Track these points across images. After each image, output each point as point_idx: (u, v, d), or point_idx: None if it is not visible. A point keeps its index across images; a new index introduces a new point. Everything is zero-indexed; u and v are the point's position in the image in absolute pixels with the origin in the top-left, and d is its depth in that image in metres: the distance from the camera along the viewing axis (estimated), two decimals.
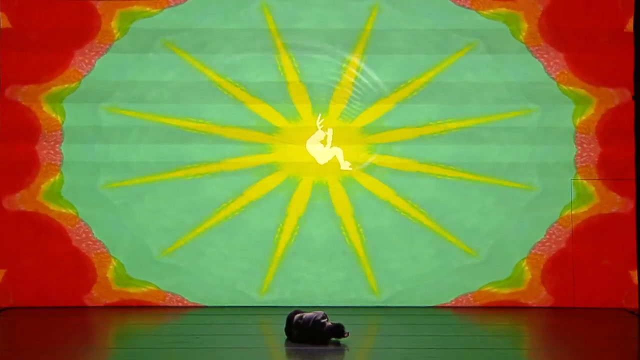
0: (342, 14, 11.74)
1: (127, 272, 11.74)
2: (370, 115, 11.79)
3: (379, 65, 11.77)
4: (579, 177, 11.67)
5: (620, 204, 11.65)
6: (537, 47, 11.71)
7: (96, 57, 11.73)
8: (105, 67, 11.71)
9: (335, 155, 11.81)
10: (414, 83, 11.76)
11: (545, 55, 11.69)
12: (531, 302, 11.66)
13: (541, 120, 11.70)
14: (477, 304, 11.68)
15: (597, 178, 11.69)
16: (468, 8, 11.70)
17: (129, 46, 11.73)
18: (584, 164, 11.68)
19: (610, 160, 11.66)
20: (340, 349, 9.42)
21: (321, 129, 11.79)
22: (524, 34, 11.71)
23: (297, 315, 9.76)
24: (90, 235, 11.74)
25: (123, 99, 11.74)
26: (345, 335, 9.60)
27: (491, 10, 11.70)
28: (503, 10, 11.71)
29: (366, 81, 11.79)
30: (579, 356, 9.37)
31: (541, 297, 11.68)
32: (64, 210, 11.69)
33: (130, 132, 11.73)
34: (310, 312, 9.78)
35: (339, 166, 11.78)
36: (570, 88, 11.69)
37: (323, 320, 9.62)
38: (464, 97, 11.71)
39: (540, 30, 11.67)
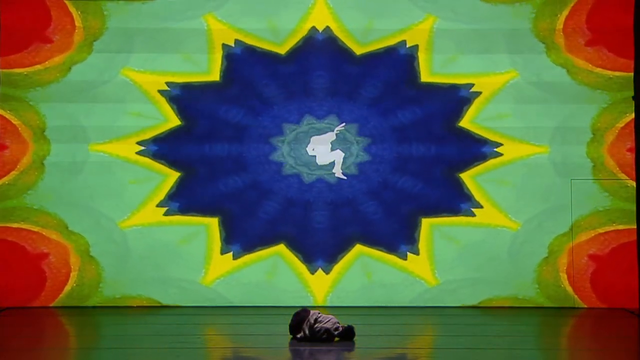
0: None
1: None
2: None
3: None
4: (578, 178, 11.72)
5: (621, 204, 11.71)
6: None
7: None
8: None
9: (334, 160, 11.75)
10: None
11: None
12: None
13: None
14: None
15: (597, 178, 11.70)
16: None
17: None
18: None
19: (612, 161, 11.72)
20: (344, 349, 9.42)
21: (336, 133, 11.72)
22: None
23: (312, 318, 9.63)
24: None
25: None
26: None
27: None
28: None
29: None
30: (580, 356, 9.37)
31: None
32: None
33: None
34: (318, 313, 9.74)
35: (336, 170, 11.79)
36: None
37: (335, 332, 9.62)
38: None
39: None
